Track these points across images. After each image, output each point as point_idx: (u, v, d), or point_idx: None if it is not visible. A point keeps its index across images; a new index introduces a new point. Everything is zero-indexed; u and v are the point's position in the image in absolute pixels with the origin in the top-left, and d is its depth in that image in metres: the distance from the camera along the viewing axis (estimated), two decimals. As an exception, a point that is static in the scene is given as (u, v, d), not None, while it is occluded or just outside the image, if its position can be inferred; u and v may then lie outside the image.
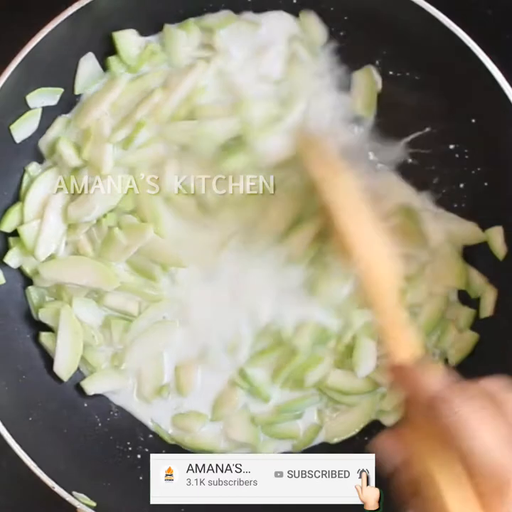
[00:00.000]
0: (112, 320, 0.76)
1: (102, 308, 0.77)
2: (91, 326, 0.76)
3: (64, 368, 0.76)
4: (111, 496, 0.72)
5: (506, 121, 0.69)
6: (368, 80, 0.76)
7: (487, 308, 0.75)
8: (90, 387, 0.77)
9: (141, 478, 0.74)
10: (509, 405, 0.47)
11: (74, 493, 0.67)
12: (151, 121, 0.74)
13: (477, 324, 0.76)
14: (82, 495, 0.68)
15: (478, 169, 0.75)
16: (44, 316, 0.76)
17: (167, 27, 0.75)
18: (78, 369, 0.77)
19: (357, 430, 0.77)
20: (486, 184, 0.75)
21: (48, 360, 0.76)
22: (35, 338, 0.77)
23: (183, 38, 0.74)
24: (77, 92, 0.75)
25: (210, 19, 0.75)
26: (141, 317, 0.76)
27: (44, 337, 0.76)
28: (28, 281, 0.77)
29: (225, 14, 0.75)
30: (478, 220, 0.76)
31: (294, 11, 0.75)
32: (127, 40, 0.74)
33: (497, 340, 0.74)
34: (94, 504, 0.68)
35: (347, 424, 0.77)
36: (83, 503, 0.67)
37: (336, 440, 0.77)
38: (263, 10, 0.75)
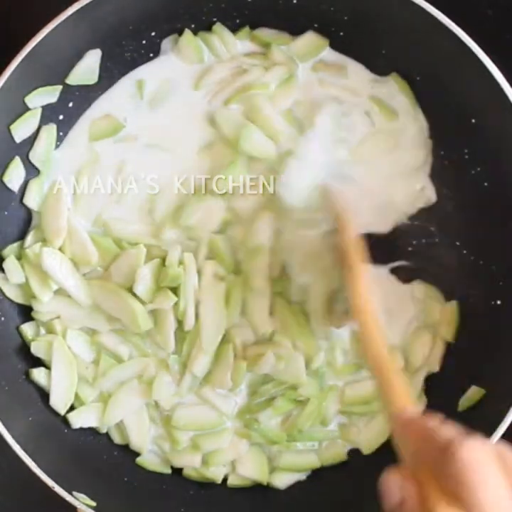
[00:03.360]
0: (102, 357, 0.75)
1: (93, 344, 0.75)
2: (83, 359, 0.75)
3: (61, 400, 0.74)
4: (111, 496, 0.72)
5: (506, 121, 0.69)
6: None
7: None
8: (76, 420, 0.75)
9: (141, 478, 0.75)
10: None
11: (74, 493, 0.67)
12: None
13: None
14: (82, 495, 0.68)
15: (478, 169, 0.75)
16: (37, 349, 0.75)
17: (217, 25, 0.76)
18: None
19: (386, 437, 0.75)
20: (485, 184, 0.75)
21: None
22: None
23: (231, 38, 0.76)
24: (68, 81, 0.74)
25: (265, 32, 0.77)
26: (127, 364, 0.75)
27: (35, 373, 0.74)
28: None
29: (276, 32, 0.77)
30: (478, 220, 0.76)
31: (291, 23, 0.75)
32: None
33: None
34: (94, 504, 0.68)
35: (376, 432, 0.76)
36: (83, 503, 0.67)
37: (369, 451, 0.76)
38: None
